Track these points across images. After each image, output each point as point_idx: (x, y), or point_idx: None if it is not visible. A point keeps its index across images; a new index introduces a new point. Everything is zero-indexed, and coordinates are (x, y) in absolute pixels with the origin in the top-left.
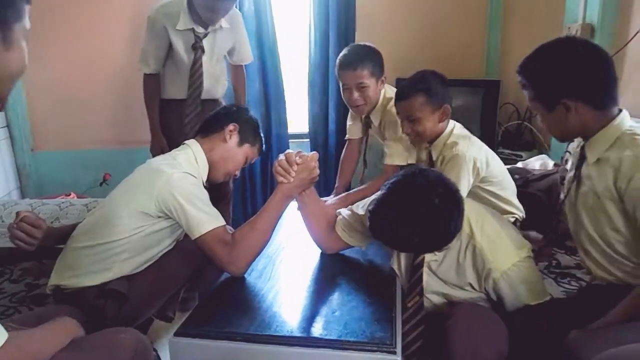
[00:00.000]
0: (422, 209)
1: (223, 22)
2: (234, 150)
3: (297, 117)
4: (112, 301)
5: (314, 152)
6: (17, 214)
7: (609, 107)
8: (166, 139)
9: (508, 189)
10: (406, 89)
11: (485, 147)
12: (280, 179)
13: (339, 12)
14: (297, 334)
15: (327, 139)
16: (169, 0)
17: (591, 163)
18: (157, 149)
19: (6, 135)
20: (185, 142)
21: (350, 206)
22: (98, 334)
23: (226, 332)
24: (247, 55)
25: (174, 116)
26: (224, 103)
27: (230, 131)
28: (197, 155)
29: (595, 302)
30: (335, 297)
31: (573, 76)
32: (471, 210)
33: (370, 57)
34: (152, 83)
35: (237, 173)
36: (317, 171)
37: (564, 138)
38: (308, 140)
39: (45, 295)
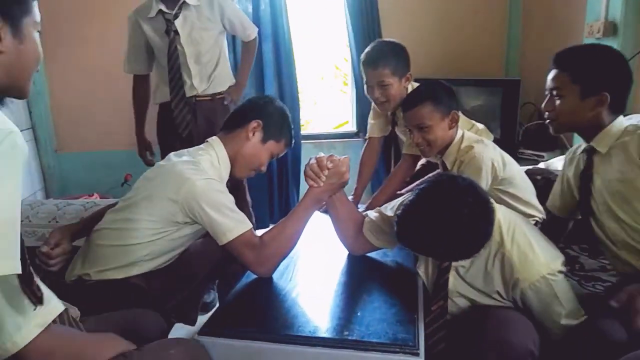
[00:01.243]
0: (450, 218)
1: None
2: (257, 148)
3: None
4: (132, 295)
5: (346, 156)
6: (46, 243)
7: (618, 114)
8: (165, 147)
9: (527, 190)
10: (413, 98)
11: (498, 149)
12: (311, 182)
13: (361, 11)
14: (319, 334)
15: None
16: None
17: (604, 153)
18: (142, 153)
19: (31, 137)
20: (208, 140)
21: (378, 208)
22: (146, 350)
23: (249, 332)
24: (243, 29)
25: (167, 121)
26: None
27: (254, 128)
28: (220, 155)
29: None
30: (357, 298)
31: (621, 77)
32: (504, 217)
33: (393, 55)
34: (136, 84)
35: (263, 168)
36: (348, 176)
37: (569, 128)
38: (353, 140)
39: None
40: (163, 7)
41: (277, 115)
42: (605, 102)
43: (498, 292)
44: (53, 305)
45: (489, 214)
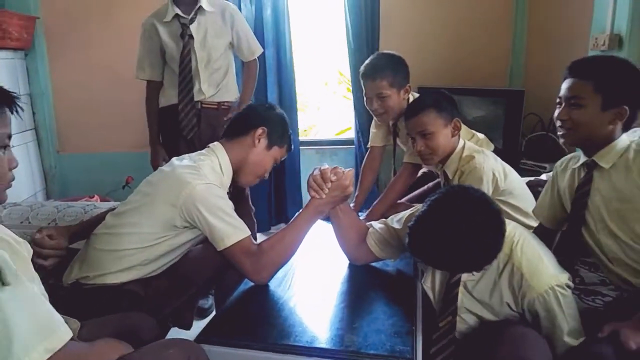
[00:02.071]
0: (463, 228)
1: (205, 4)
2: (263, 154)
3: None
4: (128, 301)
5: (350, 169)
6: (40, 230)
7: (626, 130)
8: (169, 151)
9: (527, 201)
10: (415, 106)
11: (499, 159)
12: (313, 194)
13: (364, 20)
14: (316, 344)
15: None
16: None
17: (607, 169)
18: (157, 162)
19: (33, 138)
20: (210, 145)
21: (383, 219)
22: (145, 351)
23: (246, 340)
24: (248, 45)
25: (171, 124)
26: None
27: (259, 135)
28: (222, 161)
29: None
30: (356, 308)
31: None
32: (513, 230)
33: (392, 67)
34: (150, 91)
35: (267, 175)
36: (351, 189)
37: (583, 140)
38: (354, 147)
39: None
40: (179, 12)
41: (279, 122)
42: (623, 116)
43: (507, 304)
44: (63, 331)
45: (501, 224)
